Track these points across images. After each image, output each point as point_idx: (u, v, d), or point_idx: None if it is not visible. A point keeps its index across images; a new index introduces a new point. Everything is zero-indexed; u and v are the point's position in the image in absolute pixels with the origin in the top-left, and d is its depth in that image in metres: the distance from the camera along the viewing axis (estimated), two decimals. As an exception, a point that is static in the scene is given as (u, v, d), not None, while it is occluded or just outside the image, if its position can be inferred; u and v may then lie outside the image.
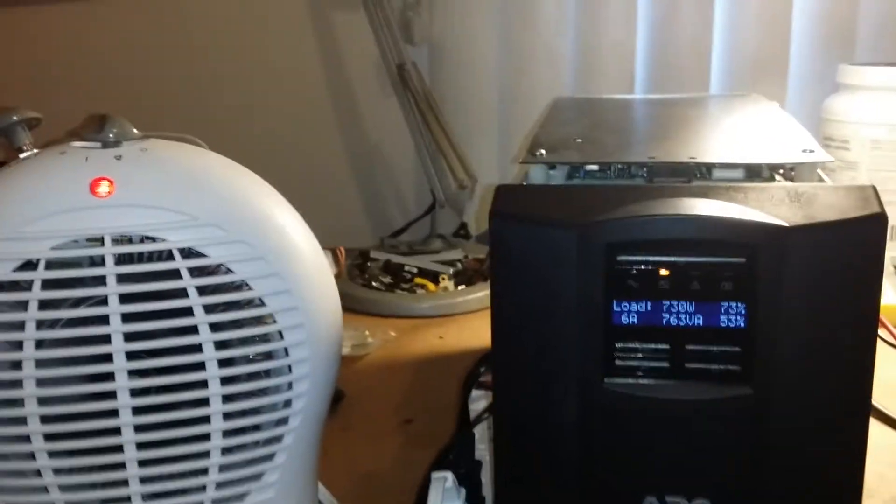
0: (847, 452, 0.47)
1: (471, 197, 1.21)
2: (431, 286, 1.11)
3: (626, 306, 0.47)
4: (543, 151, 0.59)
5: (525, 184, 0.51)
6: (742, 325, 0.46)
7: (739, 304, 0.46)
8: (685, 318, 0.46)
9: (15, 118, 0.53)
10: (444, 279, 1.11)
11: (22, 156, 0.53)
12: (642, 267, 0.46)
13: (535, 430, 0.49)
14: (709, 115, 0.78)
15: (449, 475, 0.55)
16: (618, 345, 0.47)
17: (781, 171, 0.56)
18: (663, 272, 0.46)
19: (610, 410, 0.47)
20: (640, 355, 0.47)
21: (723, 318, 0.46)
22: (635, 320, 0.47)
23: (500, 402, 0.50)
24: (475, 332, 1.01)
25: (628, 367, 0.47)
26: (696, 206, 0.46)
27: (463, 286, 1.11)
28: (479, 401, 0.71)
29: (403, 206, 1.35)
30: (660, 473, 0.48)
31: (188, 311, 0.51)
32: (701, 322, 0.46)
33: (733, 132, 0.69)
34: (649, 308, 0.47)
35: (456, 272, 1.14)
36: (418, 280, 1.12)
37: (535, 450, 0.49)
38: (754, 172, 0.56)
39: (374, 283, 1.11)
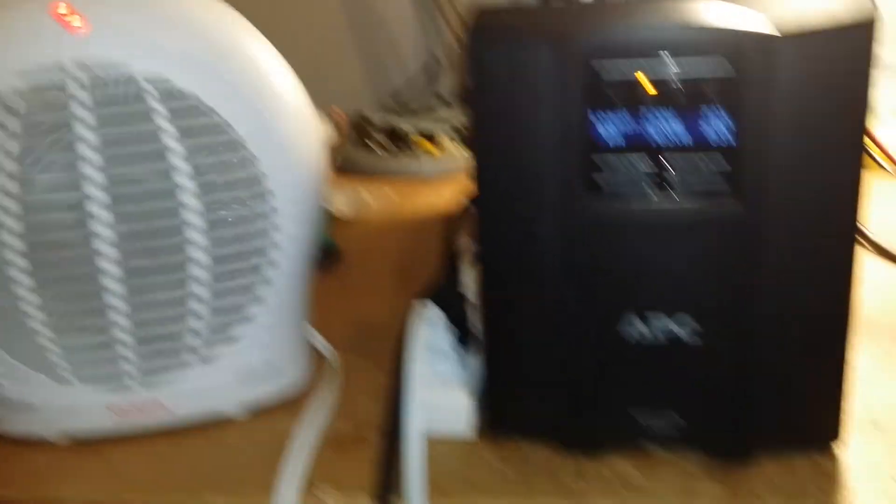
0: (834, 275, 0.46)
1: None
2: (430, 147, 1.09)
3: (604, 117, 0.45)
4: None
5: (502, 4, 0.49)
6: (730, 140, 0.44)
7: (727, 118, 0.44)
8: (669, 132, 0.45)
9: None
10: (445, 140, 1.09)
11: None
12: (622, 76, 0.44)
13: (516, 251, 0.48)
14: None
15: (429, 303, 0.54)
16: (597, 159, 0.45)
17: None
18: (645, 83, 0.44)
19: (590, 226, 0.46)
20: (621, 170, 0.46)
21: (709, 131, 0.44)
22: (615, 132, 0.45)
23: (485, 231, 0.49)
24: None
25: (608, 180, 0.46)
26: (680, 10, 0.44)
27: (463, 146, 1.09)
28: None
29: (402, 66, 1.32)
30: (641, 289, 0.47)
31: (159, 141, 0.50)
32: (685, 135, 0.44)
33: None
34: (630, 120, 0.45)
35: (458, 133, 1.11)
36: (419, 141, 1.10)
37: (519, 275, 0.49)
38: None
39: (373, 146, 1.09)
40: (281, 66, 0.55)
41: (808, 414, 0.50)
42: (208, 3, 0.54)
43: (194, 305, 0.53)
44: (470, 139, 0.48)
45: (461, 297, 0.57)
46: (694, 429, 0.50)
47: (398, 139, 1.11)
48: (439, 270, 0.57)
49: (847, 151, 0.44)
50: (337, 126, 1.12)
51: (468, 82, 0.47)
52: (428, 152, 1.08)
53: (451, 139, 1.10)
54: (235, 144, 0.52)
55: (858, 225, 0.45)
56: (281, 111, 0.54)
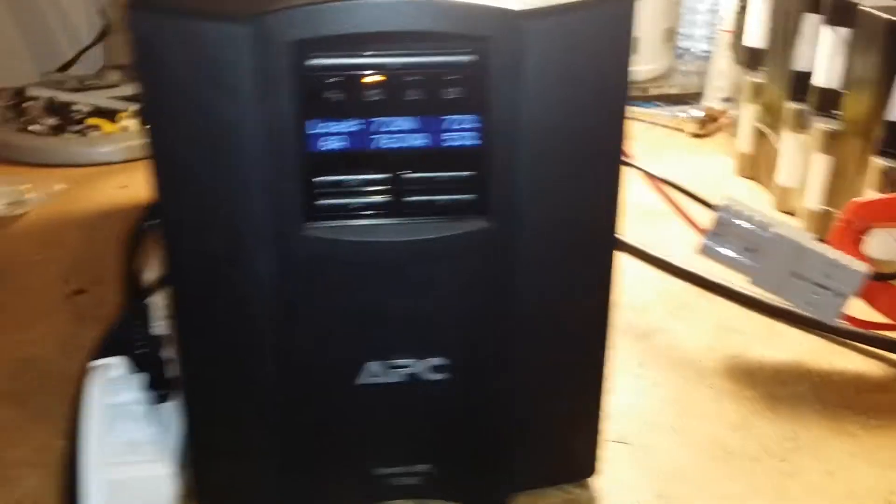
0: (593, 294, 0.40)
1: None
2: (109, 126, 0.93)
3: (325, 127, 0.35)
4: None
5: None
6: (475, 142, 0.36)
7: (470, 117, 0.36)
8: (403, 139, 0.36)
9: None
10: (123, 117, 0.93)
11: None
12: (343, 72, 0.35)
13: (222, 296, 0.37)
14: None
15: (115, 361, 0.42)
16: (318, 179, 0.36)
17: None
18: (371, 78, 0.35)
19: (315, 261, 0.37)
20: (347, 190, 0.36)
21: (450, 134, 0.36)
22: (339, 145, 0.35)
23: (175, 264, 0.37)
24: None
25: (333, 205, 0.36)
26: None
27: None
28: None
29: (72, 35, 1.12)
30: (382, 332, 0.38)
31: None
32: (423, 142, 0.36)
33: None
34: (356, 127, 0.35)
35: (139, 108, 0.96)
36: (92, 121, 0.93)
37: (226, 320, 0.38)
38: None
39: (34, 127, 0.91)
40: None
41: (566, 451, 0.44)
42: None
43: None
44: (146, 144, 0.36)
45: (154, 339, 0.45)
46: (446, 477, 0.43)
47: (66, 118, 0.93)
48: (123, 302, 0.45)
49: (607, 150, 0.38)
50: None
51: (136, 70, 0.35)
52: (104, 133, 0.92)
53: (134, 116, 0.94)
54: None
55: (617, 234, 0.39)
56: None
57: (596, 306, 0.40)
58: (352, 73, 0.35)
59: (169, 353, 0.45)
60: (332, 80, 0.35)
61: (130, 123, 0.93)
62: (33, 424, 0.50)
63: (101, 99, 0.96)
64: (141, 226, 0.43)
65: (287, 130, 0.35)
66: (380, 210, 0.36)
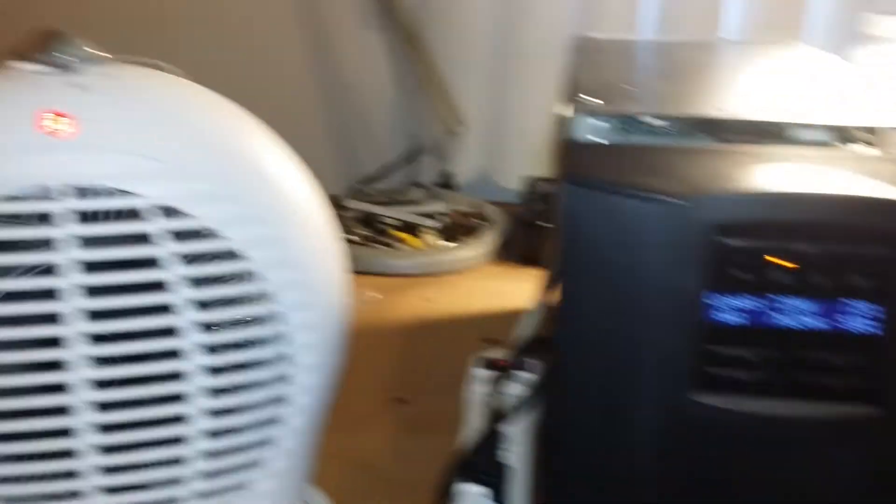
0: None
1: (460, 143, 1.10)
2: (413, 241, 1.00)
3: (726, 301, 0.37)
4: (594, 99, 0.49)
5: (606, 142, 0.41)
6: (875, 330, 0.37)
7: (875, 307, 0.36)
8: (802, 320, 0.37)
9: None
10: (427, 233, 1.01)
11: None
12: (752, 254, 0.37)
13: (601, 450, 0.40)
14: (758, 63, 0.68)
15: (478, 489, 0.46)
16: (714, 349, 0.38)
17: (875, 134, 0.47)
18: (780, 262, 0.37)
19: (700, 431, 0.38)
20: (740, 363, 0.38)
21: (850, 320, 0.37)
22: (737, 319, 0.37)
23: (560, 410, 0.40)
24: (466, 296, 0.91)
25: (725, 376, 0.38)
26: (826, 182, 0.37)
27: (448, 242, 1.01)
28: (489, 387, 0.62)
29: (379, 152, 1.23)
30: (753, 498, 0.39)
31: (165, 287, 0.40)
32: (822, 325, 0.37)
33: (796, 85, 0.60)
34: (758, 305, 0.37)
35: (441, 226, 1.03)
36: (397, 234, 1.02)
37: (602, 475, 0.40)
38: (846, 136, 0.46)
39: (348, 236, 1.00)
40: (297, 173, 0.46)
41: None
42: (212, 102, 0.45)
43: (184, 470, 0.43)
44: (559, 298, 0.39)
45: (501, 469, 0.48)
46: None
47: (375, 230, 1.02)
48: (478, 434, 0.48)
49: None
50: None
51: (560, 233, 0.38)
52: (410, 247, 0.99)
53: (433, 232, 1.01)
54: (247, 275, 0.42)
55: None
56: (304, 236, 0.45)
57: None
58: (759, 255, 0.37)
59: (514, 484, 0.48)
60: (740, 259, 0.37)
61: (434, 240, 1.00)
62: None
63: (407, 214, 1.04)
64: (513, 361, 0.47)
65: (689, 301, 0.37)
66: (770, 386, 0.38)
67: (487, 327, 0.82)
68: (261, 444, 0.45)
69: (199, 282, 0.41)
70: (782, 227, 0.36)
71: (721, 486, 0.39)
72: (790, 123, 0.45)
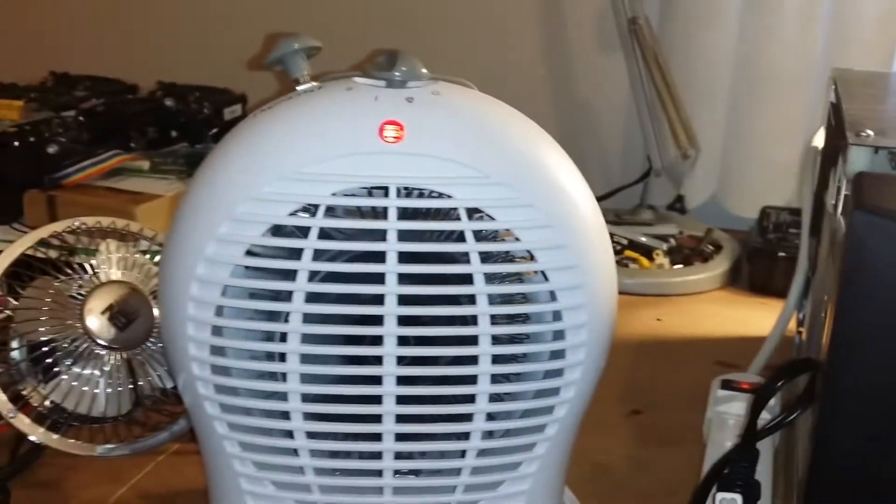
0: None
1: (692, 168, 1.11)
2: (644, 261, 1.03)
3: None
4: (871, 133, 0.51)
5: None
6: None
7: None
8: None
9: (297, 46, 0.48)
10: (658, 255, 1.03)
11: (300, 87, 0.48)
12: None
13: (860, 481, 0.41)
14: None
15: (735, 496, 0.48)
16: None
17: None
18: None
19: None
20: None
21: None
22: None
23: (825, 432, 0.42)
24: (696, 319, 0.93)
25: None
26: None
27: (677, 265, 1.02)
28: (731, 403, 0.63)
29: (607, 172, 1.26)
30: None
31: (466, 279, 0.46)
32: None
33: None
34: None
35: (670, 248, 1.05)
36: (628, 253, 1.04)
37: (866, 495, 0.42)
38: None
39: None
40: (584, 187, 0.51)
41: None
42: (514, 116, 0.50)
43: (467, 445, 0.48)
44: (833, 321, 0.41)
45: (755, 483, 0.50)
46: None
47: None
48: (733, 450, 0.51)
49: None
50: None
51: (845, 261, 0.40)
52: (641, 267, 1.02)
53: (664, 254, 1.03)
54: (536, 275, 0.47)
55: None
56: (588, 244, 0.49)
57: None
58: None
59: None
60: None
61: (664, 262, 1.02)
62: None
63: (637, 234, 1.07)
64: (775, 385, 0.49)
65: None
66: None
67: (718, 350, 0.84)
68: (532, 430, 0.49)
69: (496, 277, 0.47)
70: None
71: None
72: None
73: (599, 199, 1.17)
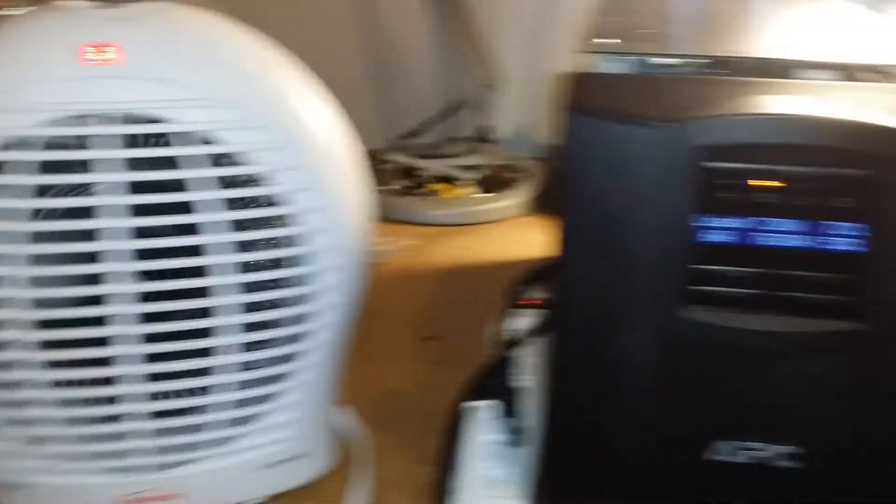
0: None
1: (499, 98, 1.12)
2: (451, 192, 1.03)
3: (713, 222, 0.40)
4: (603, 40, 0.51)
5: (609, 72, 0.44)
6: (860, 249, 0.39)
7: (858, 226, 0.38)
8: (786, 239, 0.39)
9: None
10: (465, 185, 1.04)
11: (6, 11, 0.45)
12: (738, 176, 0.39)
13: (599, 362, 0.42)
14: (787, 9, 0.69)
15: (485, 405, 0.48)
16: (700, 269, 0.40)
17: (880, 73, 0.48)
18: (764, 184, 0.39)
19: (687, 343, 0.41)
20: (726, 280, 0.40)
21: (836, 240, 0.39)
22: (723, 239, 0.40)
23: (562, 325, 0.43)
24: (501, 244, 0.94)
25: (711, 293, 0.40)
26: (811, 106, 0.39)
27: (486, 193, 1.03)
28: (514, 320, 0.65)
29: (418, 105, 1.26)
30: (740, 416, 0.42)
31: (196, 207, 0.44)
32: (806, 244, 0.39)
33: (815, 27, 0.61)
34: (742, 224, 0.39)
35: (476, 178, 1.06)
36: (436, 185, 1.04)
37: (598, 383, 0.43)
38: (854, 74, 0.48)
39: (387, 187, 1.03)
40: (329, 109, 0.49)
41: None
42: (249, 40, 0.48)
43: (219, 381, 0.47)
44: (562, 219, 0.42)
45: (511, 392, 0.51)
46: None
47: (415, 181, 1.05)
48: (492, 353, 0.52)
49: None
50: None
51: (561, 158, 0.41)
52: (447, 198, 1.02)
53: (471, 184, 1.04)
54: (276, 199, 0.46)
55: None
56: (329, 166, 0.48)
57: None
58: (745, 177, 0.39)
59: (525, 404, 0.51)
60: (726, 181, 0.39)
61: (471, 191, 1.03)
62: (397, 449, 0.57)
63: (445, 166, 1.07)
64: (520, 287, 0.49)
65: (678, 221, 0.40)
66: (755, 302, 0.40)
67: (519, 273, 0.85)
68: (289, 357, 0.48)
69: (229, 204, 0.45)
70: (766, 149, 0.38)
71: (709, 395, 0.41)
72: (796, 61, 0.47)
73: (410, 134, 1.18)
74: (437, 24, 1.09)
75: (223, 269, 0.45)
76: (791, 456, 0.42)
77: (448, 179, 1.05)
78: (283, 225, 0.46)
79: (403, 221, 0.99)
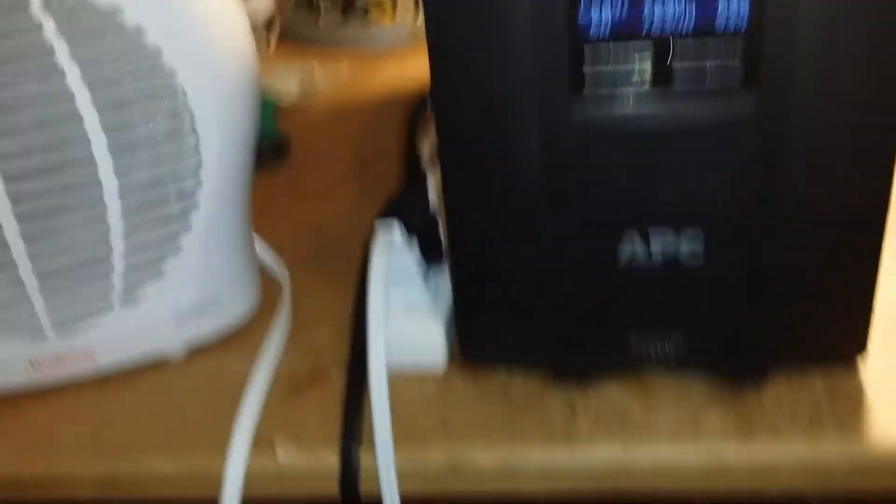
0: (871, 179, 0.39)
1: None
2: (389, 14, 0.98)
3: (595, 8, 0.36)
4: None
5: None
6: (745, 21, 0.35)
7: (743, 2, 0.35)
8: (671, 15, 0.36)
9: None
10: (404, 6, 0.98)
11: None
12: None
13: (487, 158, 0.40)
14: None
15: (395, 223, 0.46)
16: (584, 51, 0.37)
17: None
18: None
19: (577, 133, 0.38)
20: (614, 64, 0.37)
21: (721, 11, 0.35)
22: (606, 18, 0.36)
23: (445, 136, 0.40)
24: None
25: (599, 73, 0.37)
26: None
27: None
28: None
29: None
30: (638, 204, 0.40)
31: (49, 52, 0.41)
32: (690, 18, 0.36)
33: None
34: (625, 2, 0.36)
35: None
36: (375, 9, 0.99)
37: (490, 184, 0.41)
38: None
39: (321, 13, 0.98)
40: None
41: (833, 326, 0.43)
42: None
43: (110, 242, 0.45)
44: (425, 18, 0.38)
45: (428, 211, 0.49)
46: (700, 350, 0.44)
47: (352, 6, 1.00)
48: (401, 178, 0.49)
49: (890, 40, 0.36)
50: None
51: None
52: (383, 22, 0.97)
53: (415, 6, 0.99)
54: (142, 48, 0.42)
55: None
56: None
57: (872, 192, 0.39)
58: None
59: (441, 224, 0.49)
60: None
61: (411, 12, 0.97)
62: (326, 285, 0.56)
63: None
64: (421, 108, 0.47)
65: (559, 11, 0.36)
66: (645, 86, 0.37)
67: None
68: (181, 209, 0.46)
69: (81, 38, 0.41)
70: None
71: (603, 190, 0.39)
72: None
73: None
74: None
75: (93, 124, 0.42)
76: (697, 249, 0.40)
77: (386, 5, 1.00)
78: (152, 74, 0.43)
79: (342, 49, 0.95)
